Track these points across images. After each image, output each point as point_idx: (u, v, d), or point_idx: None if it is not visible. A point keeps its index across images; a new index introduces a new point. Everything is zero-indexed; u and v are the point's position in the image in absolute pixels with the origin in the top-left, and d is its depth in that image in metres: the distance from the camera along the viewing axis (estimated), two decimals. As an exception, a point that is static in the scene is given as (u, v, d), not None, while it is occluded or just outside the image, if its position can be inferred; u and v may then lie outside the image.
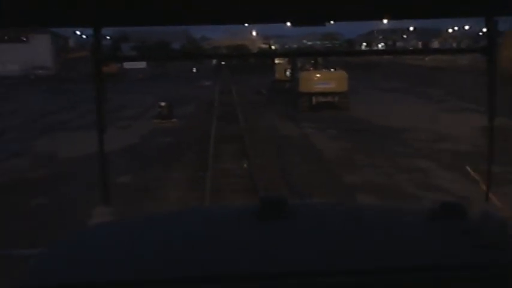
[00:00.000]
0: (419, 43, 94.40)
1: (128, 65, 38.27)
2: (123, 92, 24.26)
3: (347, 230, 1.48)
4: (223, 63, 40.93)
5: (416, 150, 12.11)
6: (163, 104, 16.58)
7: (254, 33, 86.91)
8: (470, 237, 1.35)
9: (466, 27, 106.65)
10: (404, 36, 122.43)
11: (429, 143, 12.98)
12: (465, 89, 24.09)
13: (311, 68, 19.80)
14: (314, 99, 18.67)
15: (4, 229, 6.66)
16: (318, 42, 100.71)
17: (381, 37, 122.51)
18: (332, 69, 19.76)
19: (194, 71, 41.86)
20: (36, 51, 40.51)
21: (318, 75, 18.98)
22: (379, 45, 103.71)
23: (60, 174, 10.11)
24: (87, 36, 64.71)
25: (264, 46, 76.86)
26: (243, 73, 35.04)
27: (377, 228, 1.50)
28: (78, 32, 65.95)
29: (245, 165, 10.29)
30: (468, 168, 7.71)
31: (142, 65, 39.18)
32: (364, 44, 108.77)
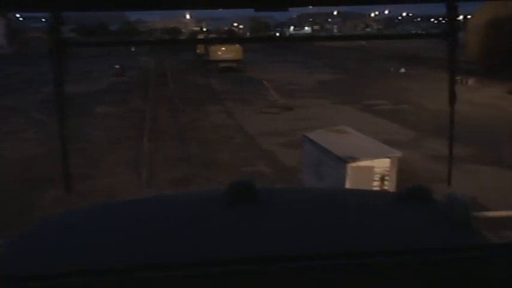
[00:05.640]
0: (335, 26, 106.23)
1: (77, 43, 45.16)
2: (82, 64, 31.91)
3: (317, 215, 1.49)
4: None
5: (268, 88, 21.35)
6: (117, 66, 25.06)
7: (188, 16, 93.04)
8: (436, 219, 1.42)
9: (386, 12, 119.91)
10: (329, 19, 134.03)
11: (280, 85, 22.19)
12: (338, 61, 33.47)
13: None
14: (220, 65, 27.58)
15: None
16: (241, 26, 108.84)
17: (310, 19, 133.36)
18: (231, 44, 28.52)
19: (133, 50, 49.04)
20: (-8, 32, 46.74)
21: (222, 48, 27.88)
22: (306, 28, 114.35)
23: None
24: (24, 19, 69.83)
25: (196, 28, 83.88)
26: (174, 50, 42.84)
27: (347, 213, 1.52)
28: (17, 15, 70.99)
29: (168, 94, 19.29)
30: (264, 82, 16.92)
31: (89, 44, 46.08)
32: (292, 26, 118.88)
